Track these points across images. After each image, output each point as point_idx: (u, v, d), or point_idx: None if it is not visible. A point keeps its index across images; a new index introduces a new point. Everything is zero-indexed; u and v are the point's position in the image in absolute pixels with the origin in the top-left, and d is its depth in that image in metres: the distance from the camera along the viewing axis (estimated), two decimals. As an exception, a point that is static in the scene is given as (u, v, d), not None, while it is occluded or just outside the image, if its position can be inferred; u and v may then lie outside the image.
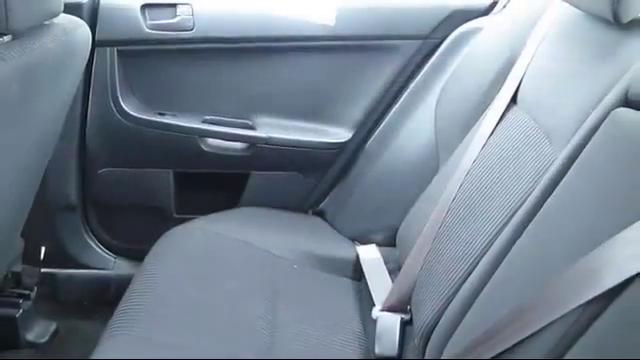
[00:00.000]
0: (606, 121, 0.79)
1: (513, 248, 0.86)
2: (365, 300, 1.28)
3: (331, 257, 1.41)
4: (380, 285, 1.29)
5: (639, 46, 0.84)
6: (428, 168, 1.36)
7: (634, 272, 0.62)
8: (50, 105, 1.19)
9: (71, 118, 1.41)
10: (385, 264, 1.37)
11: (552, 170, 0.85)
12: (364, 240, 1.45)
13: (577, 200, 0.78)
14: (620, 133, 0.76)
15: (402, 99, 1.48)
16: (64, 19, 1.14)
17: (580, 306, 0.67)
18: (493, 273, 0.88)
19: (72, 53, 1.17)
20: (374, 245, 1.43)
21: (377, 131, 1.51)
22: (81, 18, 1.22)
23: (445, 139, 1.35)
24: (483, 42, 1.35)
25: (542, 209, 0.83)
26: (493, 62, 1.24)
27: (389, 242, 1.41)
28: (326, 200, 1.58)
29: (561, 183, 0.82)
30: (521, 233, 0.86)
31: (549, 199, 0.83)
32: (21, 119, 1.04)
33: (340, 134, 1.53)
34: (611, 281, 0.64)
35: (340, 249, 1.44)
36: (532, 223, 0.84)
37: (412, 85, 1.48)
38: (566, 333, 0.68)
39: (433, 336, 0.98)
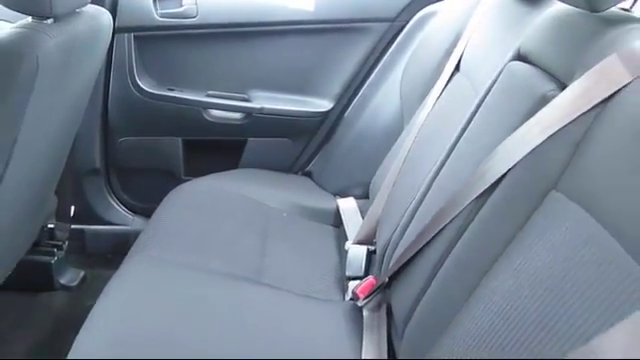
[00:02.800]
0: (504, 71, 1.04)
1: (439, 174, 1.11)
2: (342, 240, 1.53)
3: (316, 208, 1.65)
4: (355, 228, 1.54)
5: (535, 15, 1.07)
6: (395, 131, 1.60)
7: (503, 172, 0.87)
8: (80, 79, 1.44)
9: (95, 94, 1.65)
10: (360, 212, 1.62)
11: (469, 111, 1.10)
12: (344, 194, 1.70)
13: (481, 129, 1.03)
14: (512, 79, 1.01)
15: (374, 74, 1.73)
16: (91, 8, 1.39)
17: (472, 201, 0.92)
18: (424, 199, 1.13)
19: (98, 36, 1.42)
20: (352, 198, 1.68)
21: (354, 101, 1.76)
22: (104, 8, 1.47)
23: (408, 106, 1.60)
24: (438, 24, 1.60)
25: (459, 142, 1.08)
26: (444, 40, 1.49)
27: (364, 195, 1.66)
28: (312, 163, 1.83)
29: (473, 119, 1.07)
30: (445, 162, 1.11)
31: (465, 132, 1.08)
32: (59, 88, 1.29)
33: (323, 104, 1.78)
34: (490, 180, 0.89)
35: (324, 202, 1.68)
36: (452, 154, 1.09)
37: (382, 61, 1.73)
38: (463, 222, 0.93)
39: (386, 254, 1.23)
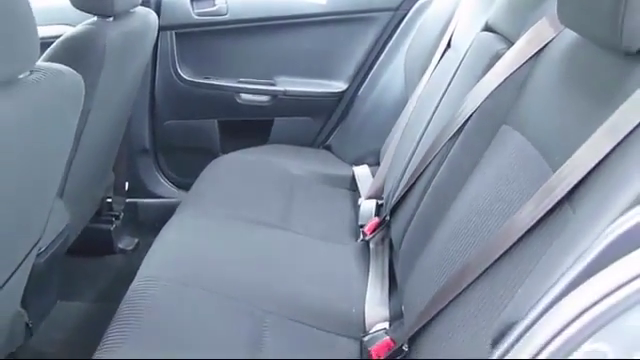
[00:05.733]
0: (475, 40, 1.28)
1: (427, 129, 1.36)
2: (357, 199, 1.77)
3: (334, 175, 1.90)
4: (367, 188, 1.79)
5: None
6: (402, 105, 1.84)
7: (468, 115, 1.11)
8: (133, 69, 1.72)
9: (144, 83, 1.94)
10: (373, 177, 1.86)
11: (451, 73, 1.34)
12: (359, 163, 1.95)
13: (457, 87, 1.28)
14: (480, 45, 1.25)
15: (382, 56, 1.99)
16: (141, 9, 1.68)
17: (447, 141, 1.17)
18: (415, 151, 1.38)
19: (147, 32, 1.71)
20: (366, 165, 1.93)
21: (365, 81, 2.02)
22: (150, 8, 1.76)
23: (411, 82, 1.84)
24: (434, 10, 1.85)
25: (442, 100, 1.33)
26: (439, 23, 1.73)
27: (377, 162, 1.90)
28: (331, 138, 2.09)
29: (453, 81, 1.31)
30: (432, 118, 1.35)
31: (446, 93, 1.33)
32: (119, 73, 1.56)
33: (338, 85, 2.04)
34: (460, 122, 1.13)
35: (341, 170, 1.94)
36: (437, 110, 1.34)
37: (388, 45, 1.98)
38: (441, 159, 1.18)
39: (389, 201, 1.48)
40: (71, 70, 1.03)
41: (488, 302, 0.81)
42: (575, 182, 0.72)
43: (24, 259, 1.16)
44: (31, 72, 0.94)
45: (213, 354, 1.07)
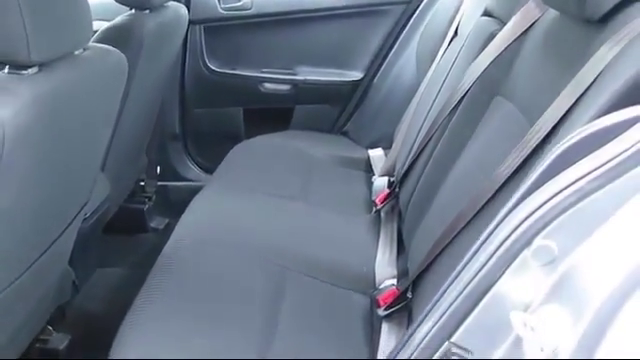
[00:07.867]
0: (475, 25, 1.41)
1: (431, 108, 1.49)
2: (371, 179, 1.90)
3: (351, 158, 2.03)
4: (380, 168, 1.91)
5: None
6: (413, 91, 1.97)
7: (466, 89, 1.24)
8: (167, 59, 1.87)
9: (175, 74, 2.10)
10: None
11: (455, 55, 1.47)
12: (374, 146, 2.07)
13: (459, 67, 1.40)
14: (478, 29, 1.38)
15: (395, 47, 2.12)
16: (173, 3, 1.84)
17: (447, 115, 1.30)
18: (421, 128, 1.51)
19: (178, 25, 1.87)
20: (380, 148, 2.06)
21: (380, 70, 2.15)
22: (181, 3, 1.92)
23: (422, 70, 1.97)
24: (443, 2, 1.98)
25: (446, 81, 1.46)
26: (447, 14, 1.86)
27: (390, 146, 2.03)
28: (348, 124, 2.22)
29: (455, 63, 1.44)
30: (436, 98, 1.48)
31: (449, 73, 1.45)
32: (154, 65, 1.72)
33: (355, 74, 2.18)
34: (459, 97, 1.26)
35: (357, 153, 2.07)
36: (441, 91, 1.47)
37: (401, 37, 2.12)
38: (441, 132, 1.31)
39: (398, 175, 1.61)
40: (117, 50, 1.18)
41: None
42: (546, 133, 0.85)
43: (73, 219, 1.32)
44: (84, 50, 1.10)
45: (238, 304, 1.21)
